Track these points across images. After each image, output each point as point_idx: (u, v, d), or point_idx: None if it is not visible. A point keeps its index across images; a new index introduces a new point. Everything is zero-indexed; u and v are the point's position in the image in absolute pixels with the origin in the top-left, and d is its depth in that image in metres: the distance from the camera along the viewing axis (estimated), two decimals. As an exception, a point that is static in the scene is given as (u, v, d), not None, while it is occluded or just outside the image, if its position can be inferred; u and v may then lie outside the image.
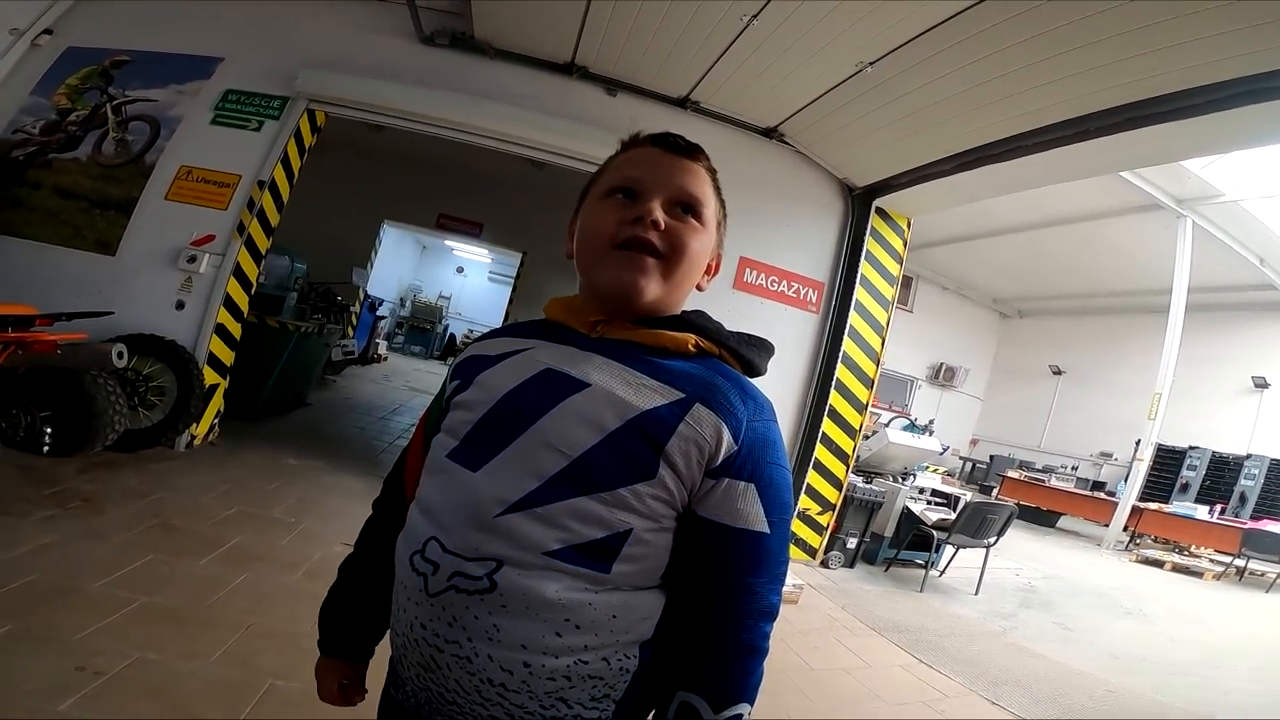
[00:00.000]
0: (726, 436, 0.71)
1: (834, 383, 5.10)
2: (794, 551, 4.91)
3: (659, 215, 0.77)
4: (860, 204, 5.29)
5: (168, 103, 4.66)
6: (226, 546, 2.99)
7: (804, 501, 5.06)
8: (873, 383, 5.28)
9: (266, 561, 2.95)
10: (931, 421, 11.31)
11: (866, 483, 5.58)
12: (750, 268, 5.05)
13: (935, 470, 7.40)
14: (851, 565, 5.36)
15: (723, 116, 5.01)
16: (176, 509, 3.30)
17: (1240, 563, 8.45)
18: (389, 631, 0.80)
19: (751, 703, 0.74)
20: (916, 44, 3.47)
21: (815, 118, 4.63)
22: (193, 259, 4.37)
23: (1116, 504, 10.16)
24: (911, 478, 6.28)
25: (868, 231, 5.24)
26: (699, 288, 0.86)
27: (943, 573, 5.69)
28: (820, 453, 5.09)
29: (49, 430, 3.49)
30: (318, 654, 0.95)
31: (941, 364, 16.12)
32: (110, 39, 4.83)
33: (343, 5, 4.86)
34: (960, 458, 15.30)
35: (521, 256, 10.20)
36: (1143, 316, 13.08)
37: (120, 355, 3.47)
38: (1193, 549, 9.56)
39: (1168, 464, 11.76)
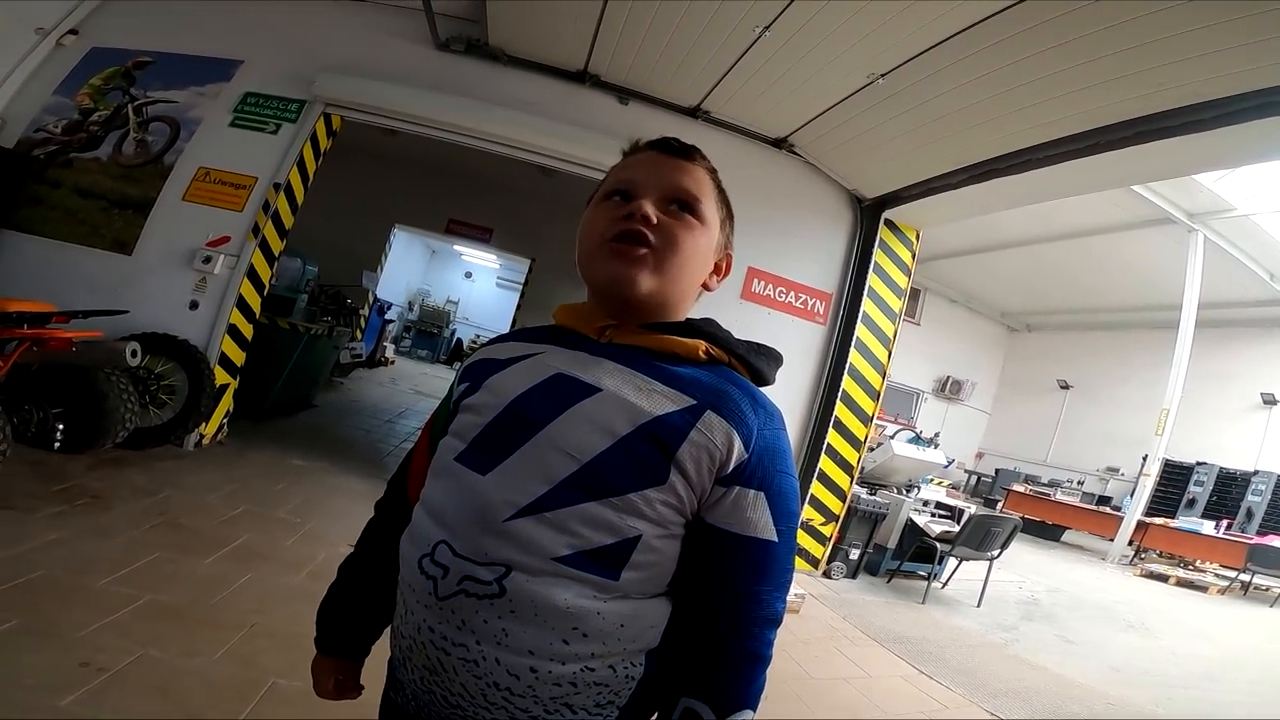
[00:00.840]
0: (738, 444, 0.71)
1: (839, 394, 5.10)
2: (796, 561, 4.89)
3: (648, 210, 0.77)
4: (869, 215, 5.30)
5: (188, 104, 4.72)
6: (232, 546, 3.01)
7: (807, 512, 5.05)
8: (879, 395, 5.27)
9: (271, 561, 2.97)
10: (937, 434, 11.24)
11: (870, 494, 5.56)
12: (758, 278, 5.06)
13: (940, 483, 7.37)
14: (854, 576, 5.34)
15: (733, 126, 5.04)
16: (183, 507, 3.33)
17: (1245, 577, 8.46)
18: (391, 633, 0.81)
19: (754, 709, 0.74)
20: (928, 56, 3.49)
21: (825, 129, 4.65)
22: (208, 260, 4.41)
23: (1122, 519, 10.12)
24: (916, 490, 6.26)
25: (876, 243, 5.24)
26: (707, 287, 0.87)
27: (945, 585, 5.67)
28: (825, 464, 5.08)
29: (60, 427, 3.53)
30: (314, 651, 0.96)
31: (948, 377, 16.06)
32: (133, 40, 4.90)
33: (360, 10, 4.93)
34: (965, 471, 15.21)
35: (530, 263, 10.24)
36: (1151, 332, 13.01)
37: (134, 354, 3.50)
38: (1198, 564, 9.52)
39: (1175, 479, 11.71)
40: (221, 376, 4.47)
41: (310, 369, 6.35)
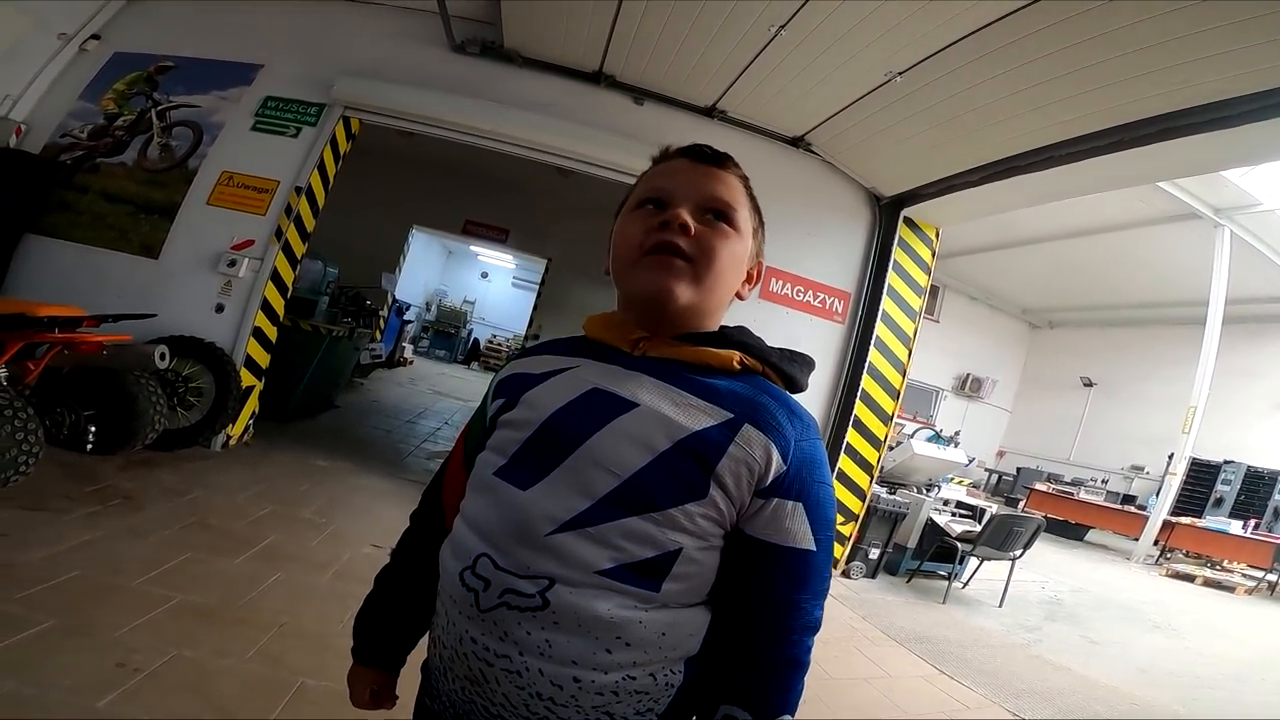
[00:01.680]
0: (776, 457, 0.72)
1: (859, 393, 5.07)
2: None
3: (686, 219, 0.77)
4: (888, 214, 5.26)
5: (210, 109, 4.79)
6: (260, 546, 3.07)
7: (827, 512, 5.02)
8: (898, 394, 5.23)
9: (298, 561, 3.01)
10: (957, 433, 11.14)
11: (890, 493, 5.52)
12: (776, 277, 5.04)
13: (960, 482, 7.30)
14: (873, 576, 5.31)
15: (749, 125, 5.03)
16: (212, 508, 3.39)
17: (1273, 577, 8.35)
18: (430, 642, 0.82)
19: (794, 714, 0.75)
20: (947, 54, 3.46)
21: (843, 127, 4.62)
22: (232, 263, 4.49)
23: (1147, 518, 9.97)
24: (936, 489, 6.21)
25: (895, 241, 5.20)
26: (740, 296, 0.87)
27: (966, 584, 5.62)
28: (844, 463, 5.06)
29: (92, 429, 3.61)
30: (348, 656, 0.97)
31: (968, 375, 15.89)
32: (155, 45, 4.98)
33: (377, 14, 4.98)
34: (986, 470, 15.05)
35: (546, 263, 10.27)
36: (1177, 328, 12.80)
37: (162, 357, 3.57)
38: (1225, 563, 9.36)
39: (1201, 478, 11.50)
40: (247, 378, 4.54)
41: (332, 370, 6.43)
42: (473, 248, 15.63)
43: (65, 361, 3.56)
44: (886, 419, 5.19)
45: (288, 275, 4.76)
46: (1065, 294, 14.50)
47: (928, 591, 5.34)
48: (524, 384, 0.82)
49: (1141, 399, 13.77)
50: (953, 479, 6.93)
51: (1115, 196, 8.43)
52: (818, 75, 4.07)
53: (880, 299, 5.14)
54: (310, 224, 4.84)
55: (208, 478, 3.84)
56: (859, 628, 4.10)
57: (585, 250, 9.29)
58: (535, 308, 10.35)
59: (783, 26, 3.62)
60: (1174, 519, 9.91)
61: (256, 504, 3.61)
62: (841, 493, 5.06)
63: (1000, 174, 4.30)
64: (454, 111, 4.73)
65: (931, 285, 5.54)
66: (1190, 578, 8.55)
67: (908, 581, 5.46)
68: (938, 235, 5.41)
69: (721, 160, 0.84)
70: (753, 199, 0.86)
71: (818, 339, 5.13)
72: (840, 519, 5.07)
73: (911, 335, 5.27)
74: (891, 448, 5.93)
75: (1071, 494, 11.62)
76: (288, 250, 4.68)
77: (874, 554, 5.28)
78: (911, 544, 5.49)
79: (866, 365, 5.09)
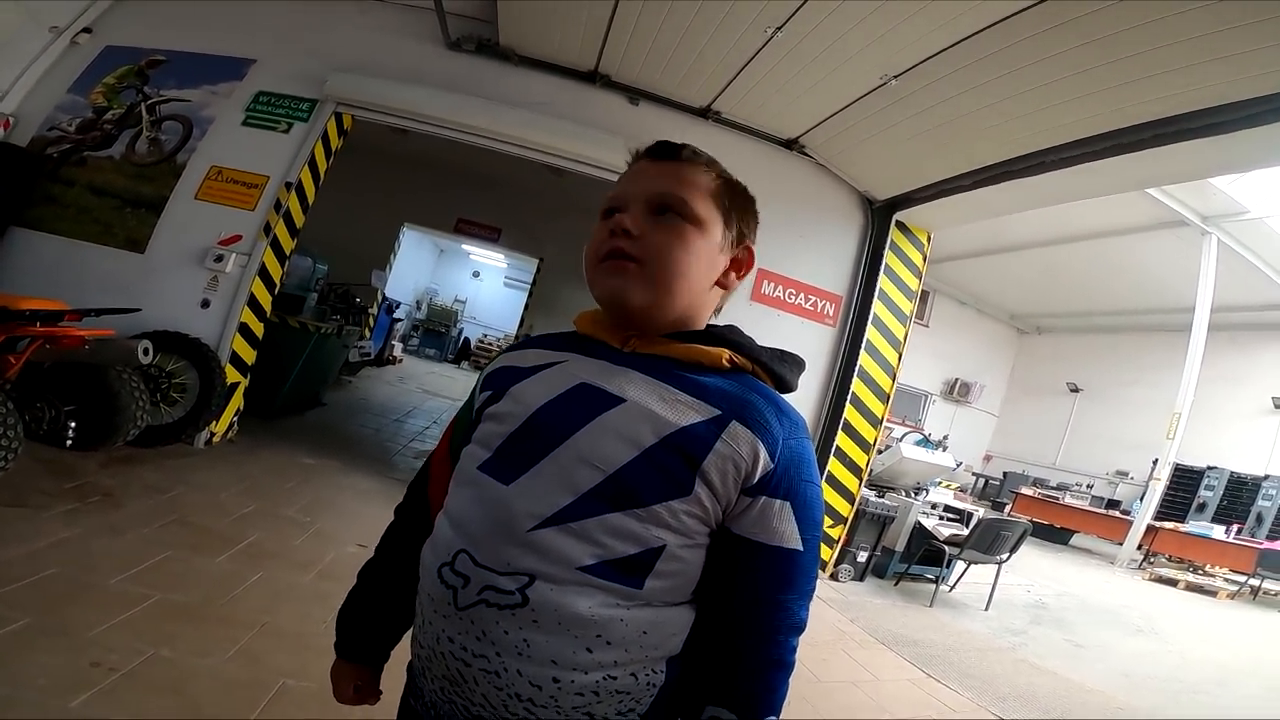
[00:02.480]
0: (763, 455, 0.71)
1: (849, 396, 5.08)
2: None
3: (627, 223, 0.77)
4: (880, 217, 5.27)
5: (201, 103, 4.73)
6: (242, 544, 3.02)
7: (816, 515, 5.02)
8: (888, 397, 5.24)
9: (281, 560, 2.97)
10: (945, 437, 11.24)
11: (879, 497, 5.54)
12: (768, 280, 5.04)
13: (948, 485, 7.33)
14: (861, 579, 5.32)
15: (744, 127, 5.03)
16: (194, 505, 3.34)
17: (1255, 582, 8.44)
18: (411, 641, 0.80)
19: (778, 715, 0.74)
20: (942, 58, 3.46)
21: (837, 130, 4.63)
22: (219, 258, 4.43)
23: (1131, 522, 10.08)
24: (924, 493, 6.24)
25: (887, 245, 5.22)
26: (723, 285, 0.85)
27: (953, 588, 5.64)
28: (834, 466, 5.06)
29: (73, 424, 3.54)
30: (330, 656, 0.96)
31: (957, 379, 15.99)
32: (147, 39, 4.91)
33: (372, 9, 4.94)
34: (973, 474, 15.14)
35: (538, 262, 10.25)
36: (1163, 335, 12.94)
37: (146, 352, 3.52)
38: (1207, 568, 9.47)
39: (1185, 483, 11.64)
40: (232, 375, 4.49)
41: (320, 367, 6.37)
42: (464, 246, 15.57)
43: (46, 356, 3.50)
44: (876, 422, 5.20)
45: (276, 271, 4.70)
46: (1053, 300, 14.63)
47: (915, 594, 5.36)
48: (512, 377, 0.82)
49: (1127, 405, 13.90)
50: (940, 483, 6.96)
51: (1104, 203, 8.50)
52: (813, 77, 4.07)
53: (871, 302, 5.15)
54: (300, 220, 4.79)
55: (190, 475, 3.79)
56: (847, 630, 4.10)
57: (577, 250, 8.95)
58: (527, 307, 10.34)
59: (779, 28, 3.62)
60: (1157, 524, 10.03)
61: (239, 502, 3.57)
62: (830, 495, 5.06)
63: (993, 178, 4.32)
64: (448, 108, 4.69)
65: (922, 290, 5.56)
66: (1173, 582, 8.65)
67: (895, 584, 5.47)
68: (929, 239, 5.43)
69: (675, 152, 0.82)
70: (725, 183, 0.83)
71: (809, 342, 5.13)
72: (829, 521, 5.07)
73: (902, 339, 5.29)
74: (880, 451, 5.95)
75: (1057, 498, 11.73)
76: (276, 246, 4.63)
77: (862, 557, 5.29)
78: (899, 547, 5.50)
79: (857, 368, 5.10)
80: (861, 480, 5.17)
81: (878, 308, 5.19)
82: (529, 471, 0.72)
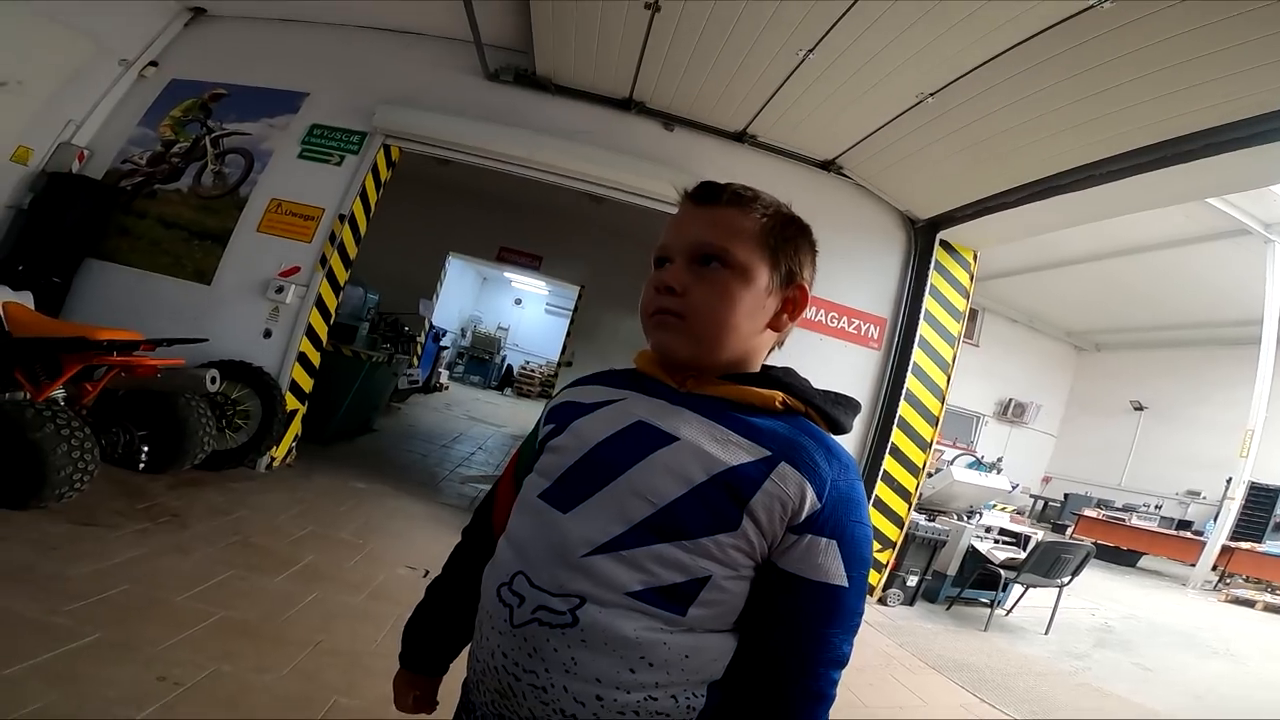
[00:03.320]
0: (810, 495, 0.73)
1: (896, 420, 4.97)
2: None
3: (671, 280, 0.80)
4: (923, 237, 5.20)
5: (260, 136, 4.98)
6: (299, 565, 3.13)
7: (864, 539, 4.91)
8: (937, 420, 5.12)
9: (335, 581, 3.06)
10: (1000, 459, 10.84)
11: (930, 520, 5.37)
12: (810, 304, 4.98)
13: (1003, 508, 7.06)
14: (911, 603, 5.15)
15: (780, 150, 5.05)
16: (255, 527, 3.48)
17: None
18: (468, 656, 0.84)
19: None
20: (980, 73, 3.43)
21: (874, 150, 4.61)
22: (280, 289, 4.64)
23: (1203, 543, 9.56)
24: (977, 515, 6.02)
25: (931, 265, 5.13)
26: (774, 328, 0.86)
27: (1009, 612, 5.41)
28: (881, 490, 4.95)
29: (145, 449, 3.74)
30: (380, 674, 1.01)
31: (1010, 399, 15.44)
32: (209, 72, 5.19)
33: (415, 43, 5.15)
34: (1031, 496, 14.53)
35: (579, 290, 10.38)
36: (1231, 348, 12.27)
37: (213, 380, 3.71)
38: (1286, 588, 8.88)
39: (1261, 502, 10.95)
40: (291, 402, 4.67)
41: (371, 395, 6.57)
42: (506, 274, 15.89)
43: (121, 383, 3.72)
44: (925, 446, 5.08)
45: (331, 301, 4.89)
46: (1111, 315, 14.04)
47: (968, 619, 5.16)
48: (574, 412, 0.86)
49: (1196, 422, 13.21)
50: (995, 505, 6.72)
51: (1160, 214, 8.17)
52: (847, 98, 4.07)
53: (917, 324, 5.06)
54: (353, 251, 4.99)
55: (252, 498, 3.95)
56: (895, 655, 3.98)
57: (617, 277, 9.32)
58: (568, 334, 10.44)
59: (810, 51, 3.65)
60: (1233, 544, 9.48)
61: (297, 524, 3.69)
62: (878, 519, 4.93)
63: (1038, 194, 4.22)
64: (489, 139, 4.84)
65: (970, 309, 5.43)
66: (1250, 603, 8.17)
67: (947, 609, 5.29)
68: (975, 258, 5.32)
69: (718, 196, 0.83)
70: (770, 223, 0.83)
71: (853, 366, 5.06)
72: (877, 546, 4.94)
73: (950, 361, 5.17)
74: (930, 474, 5.79)
75: (1123, 520, 11.16)
76: (331, 277, 4.82)
77: (912, 581, 5.13)
78: (952, 571, 5.32)
79: (904, 392, 5.00)
80: (910, 504, 5.03)
81: (924, 329, 5.09)
82: (585, 502, 0.76)
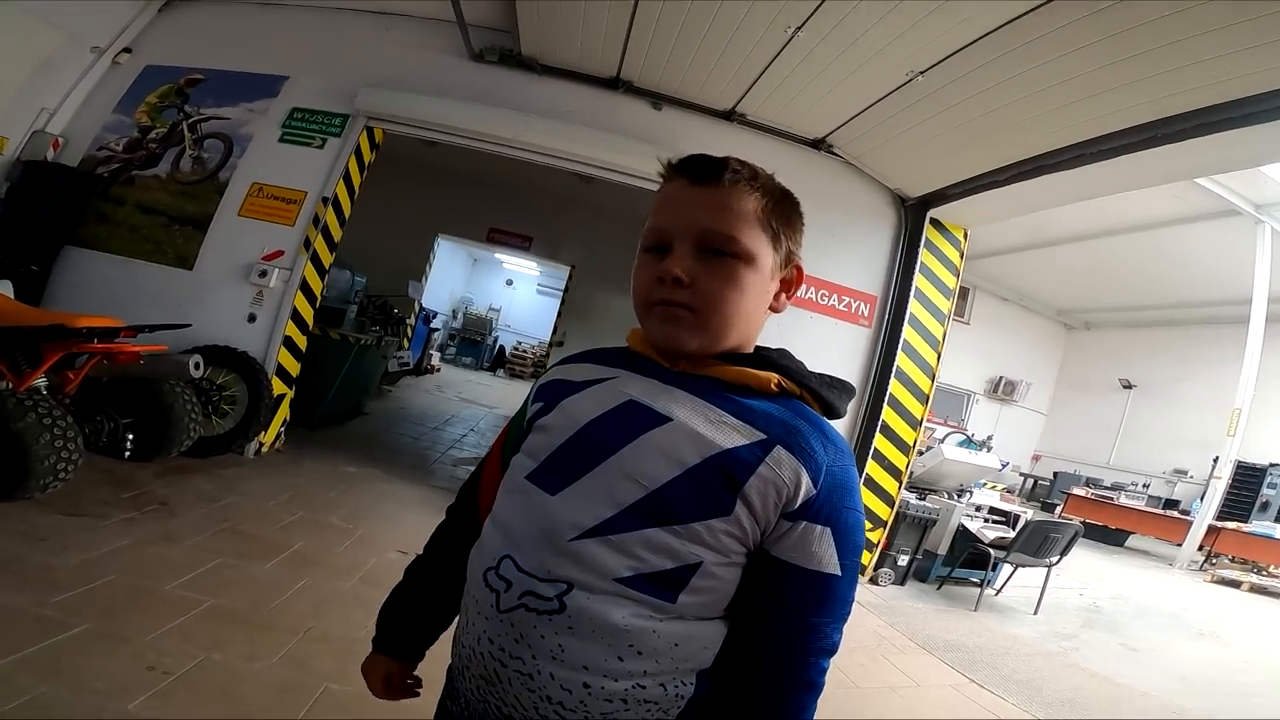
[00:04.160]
0: (805, 481, 0.72)
1: (887, 398, 4.99)
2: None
3: (678, 271, 0.75)
4: (913, 215, 5.18)
5: (239, 120, 4.90)
6: (289, 551, 3.12)
7: (854, 518, 4.95)
8: (927, 398, 5.14)
9: (325, 567, 3.06)
10: (990, 437, 10.93)
11: (920, 499, 5.42)
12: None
13: (993, 487, 7.14)
14: (902, 583, 5.21)
15: (770, 128, 5.00)
16: (244, 514, 3.47)
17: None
18: (453, 643, 0.82)
19: None
20: (970, 51, 3.39)
21: (865, 128, 4.56)
22: (263, 273, 4.59)
23: (1190, 523, 9.67)
24: (968, 494, 6.08)
25: (921, 243, 5.11)
26: (774, 309, 0.84)
27: (999, 592, 5.49)
28: (872, 469, 4.98)
29: (130, 436, 3.71)
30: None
31: (1001, 378, 15.55)
32: (184, 57, 5.09)
33: (397, 24, 5.05)
34: (1021, 474, 14.70)
35: (569, 270, 10.33)
36: (1219, 328, 12.38)
37: (197, 366, 3.67)
38: (1272, 569, 9.04)
39: (1248, 482, 11.11)
40: (278, 387, 4.64)
41: (361, 378, 6.53)
42: (497, 255, 15.80)
43: (104, 371, 3.68)
44: (915, 424, 5.10)
45: (316, 285, 4.85)
46: (1102, 294, 14.12)
47: (959, 599, 5.23)
48: (563, 390, 0.84)
49: (1183, 401, 13.35)
50: (985, 484, 6.79)
51: (1151, 193, 8.18)
52: (837, 76, 4.02)
53: (907, 302, 5.06)
54: (337, 234, 4.94)
55: (240, 484, 3.93)
56: (886, 635, 4.03)
57: (608, 256, 9.32)
58: (560, 314, 10.43)
59: (799, 28, 3.59)
60: (1219, 524, 9.60)
61: (286, 510, 3.69)
62: (869, 499, 4.97)
63: (1029, 173, 4.20)
64: (474, 120, 4.78)
65: (961, 287, 5.44)
66: (1236, 584, 8.29)
67: (938, 588, 5.35)
68: (965, 236, 5.31)
69: (718, 175, 0.78)
70: (770, 203, 0.80)
71: (843, 343, 5.07)
72: (868, 525, 4.97)
73: (940, 338, 5.18)
74: (921, 453, 5.83)
75: (1111, 499, 11.28)
76: (316, 260, 4.77)
77: (903, 560, 5.19)
78: (942, 550, 5.38)
79: (894, 369, 5.01)
80: (901, 483, 5.07)
81: (914, 307, 5.09)
82: (574, 483, 0.74)
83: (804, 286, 0.89)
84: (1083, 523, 6.06)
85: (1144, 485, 12.48)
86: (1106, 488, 12.21)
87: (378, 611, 0.99)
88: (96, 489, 3.26)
